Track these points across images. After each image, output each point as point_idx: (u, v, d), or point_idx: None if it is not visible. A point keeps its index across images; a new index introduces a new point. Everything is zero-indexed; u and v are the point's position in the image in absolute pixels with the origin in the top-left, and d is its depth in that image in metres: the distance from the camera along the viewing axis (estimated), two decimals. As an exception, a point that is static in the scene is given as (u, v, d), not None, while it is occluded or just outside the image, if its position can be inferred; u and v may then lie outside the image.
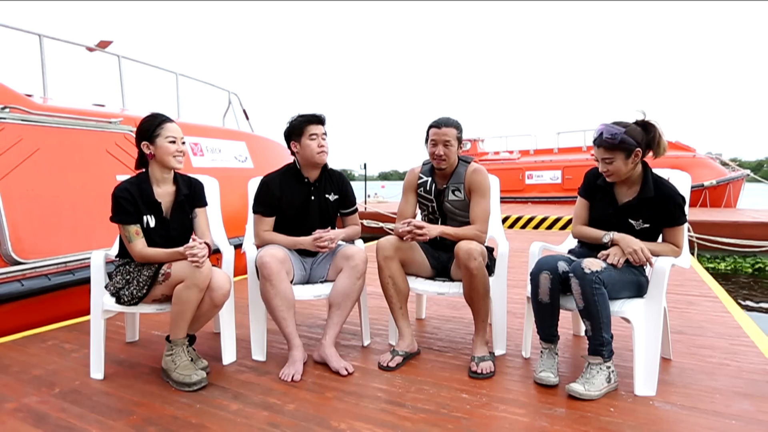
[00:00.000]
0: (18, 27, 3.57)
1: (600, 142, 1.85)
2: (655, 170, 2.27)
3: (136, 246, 1.90)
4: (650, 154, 1.91)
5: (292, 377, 1.94)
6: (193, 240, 1.85)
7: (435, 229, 2.09)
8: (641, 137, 1.84)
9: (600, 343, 1.76)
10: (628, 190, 1.94)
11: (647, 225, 1.90)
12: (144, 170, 2.03)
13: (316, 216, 2.29)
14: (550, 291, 1.87)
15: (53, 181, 3.16)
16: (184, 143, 2.02)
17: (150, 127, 1.97)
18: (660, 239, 1.98)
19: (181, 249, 1.85)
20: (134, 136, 2.00)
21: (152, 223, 1.97)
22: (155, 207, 1.99)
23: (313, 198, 2.28)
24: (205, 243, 1.90)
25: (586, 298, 1.73)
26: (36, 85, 3.78)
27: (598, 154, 1.88)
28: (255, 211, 2.26)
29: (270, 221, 2.27)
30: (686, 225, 1.93)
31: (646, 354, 1.80)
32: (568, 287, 1.89)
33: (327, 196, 2.31)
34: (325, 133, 2.25)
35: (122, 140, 3.72)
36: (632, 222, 1.91)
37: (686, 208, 1.92)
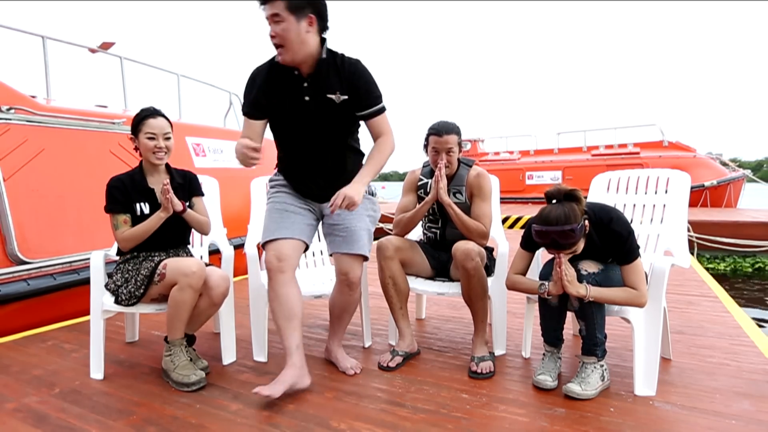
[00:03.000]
0: (22, 29, 3.58)
1: (561, 247, 1.67)
2: (655, 170, 2.28)
3: (121, 234, 1.95)
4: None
5: (264, 393, 1.63)
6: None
7: (446, 198, 2.08)
8: (581, 211, 1.68)
9: (594, 343, 1.77)
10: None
11: (602, 266, 1.80)
12: (140, 164, 2.09)
13: (316, 123, 1.78)
14: (560, 294, 1.82)
15: (58, 181, 3.17)
16: (168, 139, 2.04)
17: (135, 121, 2.01)
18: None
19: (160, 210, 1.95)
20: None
21: (146, 210, 2.01)
22: (149, 194, 2.03)
23: (308, 98, 1.78)
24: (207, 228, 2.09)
25: (581, 299, 1.73)
26: (39, 86, 3.79)
27: (563, 256, 1.69)
28: (244, 114, 1.85)
29: (257, 125, 1.84)
30: (640, 262, 1.74)
31: (646, 354, 1.80)
32: None
33: (330, 95, 1.77)
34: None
35: (125, 141, 3.73)
36: (584, 270, 1.78)
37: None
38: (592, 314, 1.73)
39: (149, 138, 1.99)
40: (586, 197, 1.78)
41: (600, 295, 1.70)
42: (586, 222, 1.70)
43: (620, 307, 1.83)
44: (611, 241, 1.75)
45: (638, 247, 1.75)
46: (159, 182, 2.04)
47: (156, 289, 1.88)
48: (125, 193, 1.98)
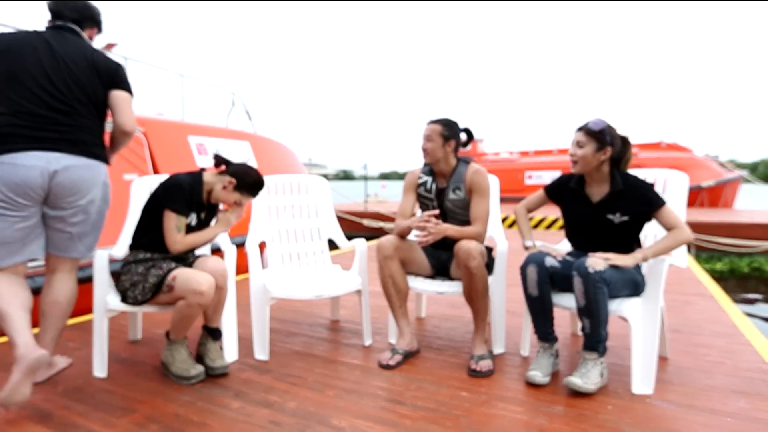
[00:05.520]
0: (27, 30, 3.57)
1: (582, 126, 1.97)
2: (653, 170, 2.30)
3: (183, 238, 1.94)
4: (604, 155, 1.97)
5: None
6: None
7: (447, 231, 2.11)
8: (617, 143, 1.96)
9: (597, 340, 1.79)
10: (598, 189, 2.01)
11: (626, 218, 1.92)
12: (200, 172, 2.06)
13: None
14: (537, 284, 1.91)
15: None
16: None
17: (250, 183, 2.05)
18: (645, 236, 2.03)
19: (219, 224, 2.07)
20: (235, 177, 2.02)
21: (194, 222, 2.03)
22: (200, 208, 2.05)
23: None
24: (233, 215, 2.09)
25: (588, 296, 1.75)
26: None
27: (575, 138, 1.98)
28: None
29: None
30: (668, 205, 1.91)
31: (643, 352, 1.82)
32: (559, 284, 1.94)
33: None
34: None
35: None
36: (610, 217, 1.95)
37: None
38: (598, 312, 1.76)
39: (237, 203, 2.06)
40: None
41: (656, 251, 1.83)
42: (610, 148, 1.93)
43: (618, 306, 1.85)
44: (636, 188, 1.91)
45: (664, 199, 1.88)
46: (206, 198, 2.08)
47: (163, 297, 1.88)
48: (191, 199, 1.97)
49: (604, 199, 1.97)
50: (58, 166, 1.73)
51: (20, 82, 1.71)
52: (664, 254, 1.84)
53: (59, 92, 1.75)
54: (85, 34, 1.93)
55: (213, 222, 2.16)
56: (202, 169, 2.08)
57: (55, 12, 1.87)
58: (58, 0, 1.87)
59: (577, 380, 1.76)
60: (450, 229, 2.13)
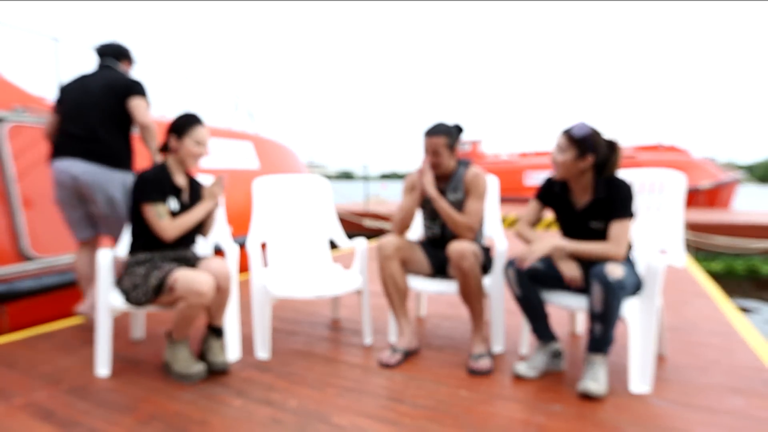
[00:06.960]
0: (34, 30, 3.59)
1: (566, 130, 1.90)
2: (651, 170, 2.32)
3: (168, 223, 1.97)
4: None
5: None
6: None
7: (431, 190, 2.14)
8: (601, 150, 1.87)
9: (606, 342, 1.80)
10: (582, 197, 1.96)
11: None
12: (163, 163, 2.10)
13: None
14: (518, 284, 1.95)
15: None
16: (205, 146, 2.12)
17: (181, 124, 2.05)
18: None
19: (207, 200, 2.13)
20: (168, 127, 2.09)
21: (175, 207, 2.05)
22: (177, 192, 2.08)
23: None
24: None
25: (606, 303, 1.73)
26: (47, 87, 3.83)
27: (558, 140, 1.94)
28: None
29: None
30: (630, 222, 1.85)
31: (641, 352, 1.84)
32: (550, 283, 1.97)
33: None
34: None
35: (134, 141, 3.76)
36: (594, 225, 1.92)
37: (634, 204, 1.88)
38: (612, 317, 1.75)
39: (197, 144, 2.06)
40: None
41: (577, 249, 1.86)
42: (592, 155, 1.86)
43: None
44: (614, 194, 1.85)
45: (633, 213, 1.84)
46: (183, 181, 2.12)
47: (165, 298, 1.90)
48: (161, 186, 2.01)
49: (586, 207, 1.93)
50: (77, 170, 2.37)
51: (65, 115, 2.45)
52: (581, 256, 1.86)
53: (82, 116, 2.42)
54: (121, 66, 2.64)
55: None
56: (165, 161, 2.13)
57: (100, 53, 2.60)
58: (101, 45, 2.61)
59: (592, 385, 1.76)
60: (438, 195, 2.14)
